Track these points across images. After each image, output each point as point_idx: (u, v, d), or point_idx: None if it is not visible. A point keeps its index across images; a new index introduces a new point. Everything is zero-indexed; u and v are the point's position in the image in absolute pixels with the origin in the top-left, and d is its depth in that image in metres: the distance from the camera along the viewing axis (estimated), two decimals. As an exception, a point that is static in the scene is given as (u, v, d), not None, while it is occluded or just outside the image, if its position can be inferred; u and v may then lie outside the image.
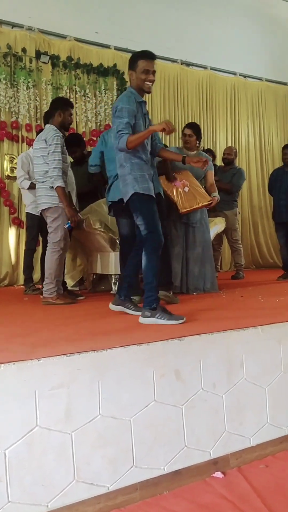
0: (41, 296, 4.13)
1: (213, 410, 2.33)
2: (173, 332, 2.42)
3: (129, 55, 7.02)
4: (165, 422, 2.17)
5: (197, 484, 2.18)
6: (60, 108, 3.99)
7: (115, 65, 7.08)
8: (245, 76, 8.50)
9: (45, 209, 3.94)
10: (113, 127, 3.23)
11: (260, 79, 8.65)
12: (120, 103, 3.17)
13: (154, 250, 3.04)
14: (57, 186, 3.80)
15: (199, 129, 4.79)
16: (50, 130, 3.92)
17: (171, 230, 4.55)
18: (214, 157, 6.79)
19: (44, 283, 3.99)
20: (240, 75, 8.43)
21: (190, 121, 7.81)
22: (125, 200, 3.17)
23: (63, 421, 1.92)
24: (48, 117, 4.18)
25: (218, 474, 2.26)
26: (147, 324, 2.83)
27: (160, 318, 2.84)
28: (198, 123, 7.84)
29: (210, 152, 6.56)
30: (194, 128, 4.71)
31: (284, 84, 8.95)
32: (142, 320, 2.91)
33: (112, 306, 3.31)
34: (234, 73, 8.36)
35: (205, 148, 7.87)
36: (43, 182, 3.93)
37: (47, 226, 4.01)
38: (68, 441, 1.92)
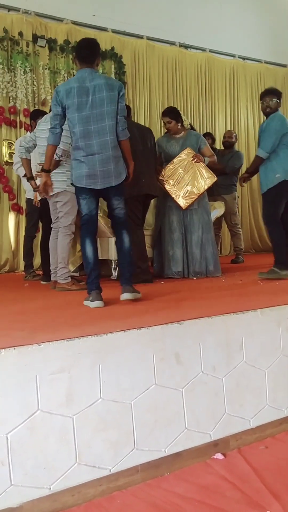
0: (50, 283, 4.16)
1: (213, 393, 2.34)
2: (173, 316, 2.43)
3: (127, 38, 7.06)
4: (166, 405, 2.19)
5: (198, 466, 2.21)
6: None
7: (112, 48, 7.01)
8: (244, 59, 8.41)
9: (55, 193, 3.89)
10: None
11: (259, 61, 8.56)
12: None
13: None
14: None
15: (175, 112, 4.72)
16: None
17: (169, 217, 4.55)
18: (213, 140, 6.74)
19: (58, 268, 3.95)
20: (239, 57, 8.34)
21: (189, 104, 7.79)
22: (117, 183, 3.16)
23: (64, 405, 1.93)
24: None
25: (219, 456, 2.28)
26: (142, 308, 2.83)
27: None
28: (197, 106, 7.85)
29: (209, 135, 6.51)
30: (170, 114, 4.66)
31: (284, 66, 8.86)
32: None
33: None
34: (233, 56, 8.27)
35: (205, 131, 7.83)
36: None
37: (57, 211, 3.99)
38: (70, 424, 1.94)
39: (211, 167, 4.62)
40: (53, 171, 3.83)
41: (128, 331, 2.16)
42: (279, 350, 2.59)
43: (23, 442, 1.84)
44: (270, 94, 4.15)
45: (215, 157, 4.73)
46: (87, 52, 3.18)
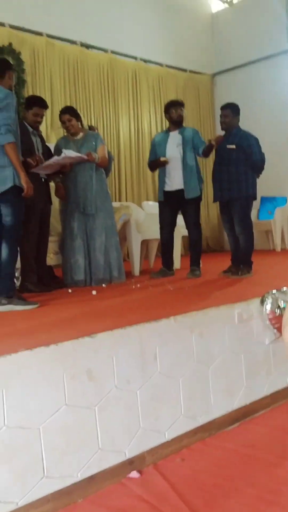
0: None
1: (128, 408, 2.23)
2: (84, 329, 2.28)
3: (25, 34, 6.77)
4: (78, 426, 2.04)
5: (113, 488, 2.09)
6: None
7: (10, 44, 6.65)
8: (145, 61, 8.42)
9: None
10: None
11: (160, 64, 8.61)
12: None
13: (17, 241, 3.37)
14: None
15: (75, 110, 4.59)
16: None
17: (70, 223, 4.38)
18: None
19: None
20: (141, 59, 8.33)
21: (92, 105, 7.63)
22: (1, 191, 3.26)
23: None
24: None
25: (134, 474, 2.18)
26: (49, 322, 2.68)
27: (17, 305, 3.16)
28: (101, 108, 7.73)
29: (92, 128, 6.30)
30: (70, 111, 4.51)
31: (184, 70, 9.01)
32: None
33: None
34: (135, 58, 8.25)
35: (108, 133, 7.75)
36: None
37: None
38: None
39: (100, 166, 4.50)
40: None
41: (35, 350, 1.97)
42: (192, 357, 2.54)
43: None
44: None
45: (107, 158, 4.61)
46: None
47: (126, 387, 2.23)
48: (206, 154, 4.60)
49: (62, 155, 4.08)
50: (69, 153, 4.11)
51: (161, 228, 4.78)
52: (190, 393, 2.51)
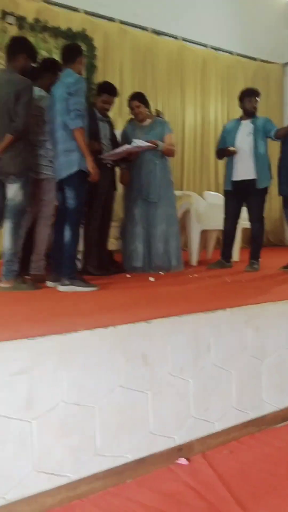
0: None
1: (180, 395, 2.26)
2: (141, 314, 2.32)
3: (99, 20, 6.84)
4: (131, 408, 2.09)
5: (161, 472, 2.13)
6: (50, 71, 3.78)
7: (84, 30, 6.76)
8: (216, 49, 8.30)
9: (38, 179, 3.73)
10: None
11: (230, 52, 8.46)
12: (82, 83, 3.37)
13: (78, 224, 3.47)
14: None
15: (145, 97, 4.56)
16: (41, 93, 3.70)
17: (132, 209, 4.43)
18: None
19: (35, 259, 3.80)
20: (211, 47, 8.23)
21: (159, 91, 7.63)
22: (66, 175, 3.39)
23: (23, 408, 1.81)
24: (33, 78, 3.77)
25: (183, 461, 2.21)
26: (108, 305, 2.74)
27: (78, 286, 3.27)
28: (168, 95, 7.71)
29: (158, 113, 6.23)
30: (139, 97, 4.50)
31: (254, 59, 8.81)
32: (61, 288, 3.30)
33: (60, 287, 3.32)
34: (205, 46, 8.15)
35: (174, 120, 7.71)
36: (34, 150, 3.71)
37: (39, 199, 3.79)
38: (28, 429, 1.81)
39: (165, 154, 4.50)
40: (38, 153, 3.72)
41: (94, 330, 2.04)
42: (247, 351, 2.53)
43: (-23, 448, 1.71)
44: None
45: (174, 148, 4.60)
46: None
47: (179, 375, 2.26)
48: (280, 135, 4.43)
49: (133, 144, 4.11)
50: (139, 142, 4.13)
51: (225, 219, 4.68)
52: (242, 386, 2.50)
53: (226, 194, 4.69)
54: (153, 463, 2.12)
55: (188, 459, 2.22)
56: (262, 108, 8.74)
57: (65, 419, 1.90)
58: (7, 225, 3.37)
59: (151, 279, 3.86)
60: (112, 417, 2.02)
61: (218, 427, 2.39)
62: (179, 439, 2.23)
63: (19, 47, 3.43)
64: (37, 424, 1.82)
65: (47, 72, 3.78)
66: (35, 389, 1.83)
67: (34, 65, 3.69)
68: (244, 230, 5.71)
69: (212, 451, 2.32)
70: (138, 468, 2.07)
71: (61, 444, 1.88)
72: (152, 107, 4.65)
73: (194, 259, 5.14)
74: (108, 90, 4.29)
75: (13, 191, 3.36)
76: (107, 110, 4.36)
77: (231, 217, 4.67)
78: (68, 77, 3.36)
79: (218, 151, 4.75)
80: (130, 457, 2.05)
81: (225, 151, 4.60)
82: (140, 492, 1.97)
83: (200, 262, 5.25)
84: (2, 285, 3.32)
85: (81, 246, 4.03)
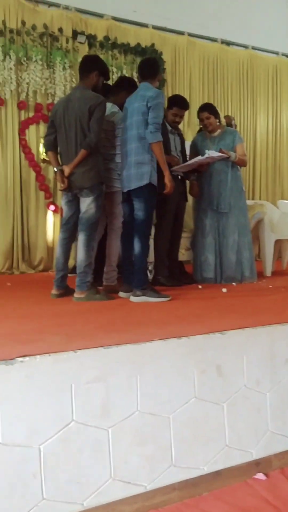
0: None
1: (256, 409, 2.20)
2: (215, 325, 2.29)
3: (167, 34, 6.94)
4: (206, 420, 2.06)
5: (238, 486, 2.08)
6: (126, 89, 3.83)
7: (153, 44, 6.88)
8: (287, 56, 8.16)
9: (108, 193, 3.81)
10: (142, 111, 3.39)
11: (303, 58, 8.30)
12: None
13: (147, 236, 3.49)
14: None
15: (214, 108, 4.54)
16: (114, 109, 3.81)
17: (202, 220, 4.41)
18: (235, 125, 6.31)
19: (107, 270, 3.89)
20: (282, 54, 8.08)
21: (230, 103, 7.59)
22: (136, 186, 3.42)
23: (99, 416, 1.83)
24: (108, 94, 3.95)
25: (260, 476, 2.15)
26: (181, 316, 2.73)
27: (150, 297, 3.30)
28: (239, 105, 7.66)
29: (228, 117, 6.12)
30: (209, 109, 4.47)
31: None
32: (133, 299, 3.34)
33: (133, 298, 3.36)
34: (277, 53, 8.02)
35: (246, 131, 7.63)
36: (105, 164, 3.76)
37: (108, 212, 3.88)
38: (105, 437, 1.84)
39: (237, 164, 4.46)
40: (109, 167, 3.79)
41: (168, 340, 2.04)
42: None
43: (56, 454, 1.75)
44: None
45: (246, 158, 4.53)
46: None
47: (256, 388, 2.20)
48: None
49: (206, 155, 4.11)
50: (211, 153, 4.12)
51: None
52: None
53: None
54: (229, 477, 2.07)
55: (266, 475, 2.16)
56: None
57: (141, 428, 1.91)
58: (81, 238, 3.46)
59: (224, 290, 3.81)
60: (187, 428, 2.01)
61: (297, 442, 2.30)
62: (256, 454, 2.17)
63: (92, 65, 3.54)
64: (113, 432, 1.84)
65: (123, 89, 3.87)
66: (110, 397, 1.86)
67: (107, 82, 3.80)
68: None
69: (291, 467, 2.24)
70: (214, 481, 2.03)
71: (137, 453, 1.89)
72: (222, 116, 4.63)
73: (269, 269, 5.02)
74: (179, 103, 4.33)
75: (86, 204, 3.46)
76: (178, 123, 4.39)
77: None
78: (147, 91, 3.41)
79: None
80: (206, 469, 2.02)
81: None
82: (216, 505, 1.93)
83: (274, 273, 5.12)
84: (77, 295, 3.41)
85: (151, 257, 4.06)
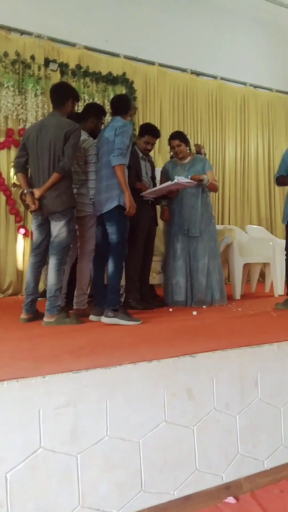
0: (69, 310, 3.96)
1: (226, 432, 2.21)
2: (185, 348, 2.30)
3: (139, 64, 7.10)
4: (176, 444, 2.05)
5: (209, 510, 2.06)
6: (94, 116, 3.90)
7: (124, 73, 7.02)
8: (255, 87, 8.41)
9: (80, 217, 3.84)
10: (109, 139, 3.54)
11: (270, 89, 8.56)
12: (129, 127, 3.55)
13: (122, 258, 3.53)
14: None
15: (185, 136, 4.65)
16: (83, 136, 3.82)
17: (173, 244, 4.46)
18: (204, 154, 6.41)
19: (77, 294, 3.86)
20: (250, 85, 8.34)
21: (200, 130, 7.76)
22: (107, 209, 3.52)
23: (68, 442, 1.81)
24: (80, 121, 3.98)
25: (231, 500, 2.14)
26: (152, 338, 2.74)
27: (122, 319, 3.30)
28: (208, 134, 7.84)
29: (198, 146, 6.26)
30: (180, 136, 4.58)
31: (294, 95, 8.88)
32: (104, 319, 3.34)
33: (104, 319, 3.36)
34: (244, 84, 8.28)
35: (215, 159, 7.80)
36: (76, 189, 3.81)
37: (80, 235, 3.89)
38: (74, 464, 1.81)
39: (209, 189, 4.56)
40: (78, 192, 3.82)
41: (138, 364, 2.04)
42: (295, 387, 2.46)
43: (23, 482, 1.71)
44: None
45: (217, 184, 4.62)
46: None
47: (226, 410, 2.21)
48: None
49: (175, 180, 4.19)
50: (181, 179, 4.20)
51: (286, 253, 4.21)
52: (292, 423, 2.42)
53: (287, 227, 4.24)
54: (200, 501, 2.06)
55: (236, 498, 2.15)
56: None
57: (110, 453, 1.88)
58: (52, 261, 3.46)
59: (194, 313, 3.83)
60: (157, 452, 1.99)
61: (267, 465, 2.31)
62: (226, 477, 2.16)
63: (67, 93, 3.62)
64: (82, 458, 1.82)
65: (91, 116, 3.94)
66: (79, 422, 1.84)
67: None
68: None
69: (261, 490, 2.24)
70: (184, 506, 2.01)
71: (107, 479, 1.86)
72: (192, 144, 4.73)
73: (238, 292, 5.09)
74: (151, 131, 4.41)
75: (58, 228, 3.48)
76: (149, 150, 4.47)
77: None
78: (117, 122, 3.58)
79: (278, 178, 4.33)
80: (176, 494, 2.00)
81: (286, 180, 4.27)
82: (187, 531, 1.91)
83: (243, 296, 5.18)
84: (46, 319, 3.39)
85: (123, 281, 4.07)
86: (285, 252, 4.20)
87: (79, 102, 6.57)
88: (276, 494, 2.22)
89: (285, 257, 4.20)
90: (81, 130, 3.84)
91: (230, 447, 2.21)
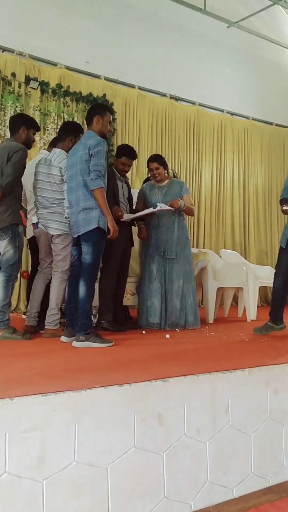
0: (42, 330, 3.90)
1: (196, 458, 2.18)
2: (157, 372, 2.28)
3: (119, 86, 7.18)
4: (145, 470, 2.01)
5: (176, 540, 2.02)
6: (72, 134, 3.91)
7: (104, 95, 7.09)
8: (232, 114, 8.60)
9: (55, 235, 3.83)
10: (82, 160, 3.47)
11: (247, 117, 8.76)
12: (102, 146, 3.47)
13: (93, 280, 3.50)
14: None
15: (163, 159, 4.70)
16: (61, 155, 3.84)
17: (149, 266, 4.46)
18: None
19: (49, 314, 3.80)
20: (227, 112, 8.53)
21: (177, 153, 7.86)
22: (84, 231, 3.45)
23: (34, 467, 1.75)
24: (56, 141, 4.08)
25: (199, 529, 2.10)
26: (124, 362, 2.70)
27: (93, 342, 3.25)
28: (185, 157, 7.95)
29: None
30: (159, 160, 4.63)
31: (270, 123, 9.08)
32: (76, 344, 3.28)
33: (75, 343, 3.31)
34: (222, 111, 8.45)
35: (191, 182, 7.90)
36: (52, 208, 3.82)
37: (55, 254, 3.87)
38: (39, 490, 1.75)
39: (185, 213, 4.62)
40: (54, 211, 3.81)
41: (109, 387, 2.00)
42: (266, 413, 2.45)
43: (-15, 509, 1.65)
44: None
45: (194, 208, 4.67)
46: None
47: (196, 437, 2.19)
48: None
49: (158, 207, 4.24)
50: (162, 206, 4.26)
51: (275, 275, 4.10)
52: (261, 450, 2.41)
53: (281, 250, 4.08)
54: (167, 531, 2.01)
55: (204, 528, 2.11)
56: (278, 170, 9.01)
57: (77, 480, 1.83)
58: (1, 278, 3.60)
59: (167, 336, 3.82)
60: (125, 479, 1.95)
61: (236, 493, 2.28)
62: (195, 505, 2.13)
63: (17, 122, 3.86)
64: (48, 484, 1.76)
65: (68, 134, 3.93)
66: (47, 447, 1.79)
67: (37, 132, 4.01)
68: (261, 288, 5.68)
69: (229, 520, 2.21)
70: (152, 536, 1.97)
71: (73, 506, 1.81)
72: (170, 168, 4.79)
73: (211, 316, 5.10)
74: (128, 153, 4.44)
75: (3, 246, 3.63)
76: (126, 171, 4.49)
77: (281, 274, 4.03)
78: (89, 139, 3.47)
79: (281, 201, 4.15)
80: (143, 523, 1.96)
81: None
82: None
83: (216, 320, 5.19)
84: None
85: (96, 301, 4.04)
86: (274, 275, 4.12)
87: (59, 121, 6.63)
88: (245, 523, 2.20)
89: (274, 279, 4.11)
90: (59, 150, 3.86)
91: (200, 474, 2.18)
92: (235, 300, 6.57)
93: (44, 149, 5.09)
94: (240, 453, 2.33)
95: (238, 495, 2.29)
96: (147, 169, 4.76)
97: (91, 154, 3.40)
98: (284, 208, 3.95)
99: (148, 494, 2.00)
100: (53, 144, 4.22)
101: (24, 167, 3.74)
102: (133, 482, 1.97)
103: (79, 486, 1.84)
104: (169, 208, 4.30)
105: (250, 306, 5.40)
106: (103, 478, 1.90)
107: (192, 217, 7.59)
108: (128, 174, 4.81)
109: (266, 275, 5.90)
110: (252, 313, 5.38)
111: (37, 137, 6.26)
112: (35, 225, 3.91)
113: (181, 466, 2.12)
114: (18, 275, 3.86)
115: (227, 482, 2.26)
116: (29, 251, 4.59)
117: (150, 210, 4.27)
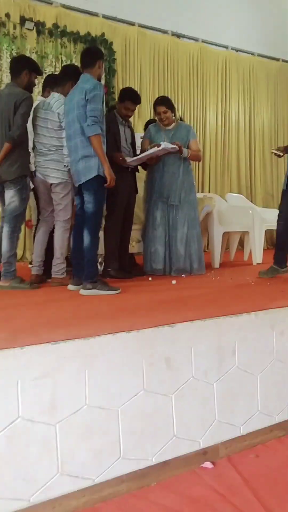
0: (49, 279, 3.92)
1: (204, 399, 2.25)
2: (164, 318, 2.30)
3: (118, 24, 6.88)
4: (154, 411, 2.08)
5: (186, 475, 2.11)
6: (72, 79, 3.77)
7: (103, 34, 6.80)
8: (237, 50, 8.27)
9: (54, 184, 3.79)
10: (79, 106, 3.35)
11: (252, 53, 8.42)
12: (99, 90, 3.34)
13: (97, 229, 3.48)
14: None
15: (171, 102, 4.55)
16: (60, 100, 3.73)
17: (153, 212, 4.42)
18: None
19: (55, 263, 3.82)
20: (232, 49, 8.20)
21: (180, 94, 7.63)
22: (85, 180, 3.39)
23: (47, 412, 1.82)
24: (55, 85, 3.93)
25: (208, 465, 2.19)
26: (131, 309, 2.73)
27: (100, 289, 3.27)
28: (189, 97, 7.72)
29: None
30: (167, 103, 4.48)
31: (276, 59, 8.74)
32: (83, 292, 3.30)
33: (83, 291, 3.33)
34: (226, 47, 8.12)
35: (196, 123, 7.71)
36: (49, 155, 3.75)
37: (55, 203, 3.84)
38: (52, 433, 1.82)
39: (191, 159, 4.52)
40: (51, 158, 3.75)
41: (117, 334, 2.04)
42: (272, 355, 2.50)
43: (1, 451, 1.72)
44: None
45: (200, 153, 4.56)
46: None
47: (203, 379, 2.24)
48: None
49: (162, 146, 4.12)
50: (166, 145, 4.13)
51: (278, 218, 4.13)
52: (268, 390, 2.47)
53: (283, 193, 4.11)
54: (177, 467, 2.11)
55: (213, 463, 2.20)
56: (285, 108, 8.75)
57: (89, 422, 1.90)
58: (5, 229, 3.58)
59: (173, 282, 3.84)
60: (135, 420, 2.02)
61: (243, 430, 2.36)
62: (203, 443, 2.21)
63: (20, 65, 3.69)
64: (61, 427, 1.83)
65: (68, 79, 3.80)
66: (58, 393, 1.84)
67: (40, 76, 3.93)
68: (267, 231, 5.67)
69: (237, 455, 2.30)
70: (163, 471, 2.06)
71: (85, 447, 1.88)
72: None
73: (217, 261, 5.11)
74: (132, 97, 4.29)
75: (10, 196, 3.58)
76: (129, 116, 4.37)
77: (284, 218, 4.07)
78: (85, 83, 3.37)
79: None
80: (154, 460, 2.04)
81: None
82: (165, 495, 1.95)
83: (222, 265, 5.21)
84: (1, 283, 3.54)
85: (101, 249, 4.04)
86: (277, 218, 4.15)
87: (57, 64, 6.41)
88: (252, 459, 2.29)
89: (277, 223, 4.14)
90: (58, 94, 3.75)
91: (208, 413, 2.25)
92: (241, 243, 6.56)
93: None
94: (247, 393, 2.40)
95: (245, 432, 2.37)
96: (153, 112, 4.61)
97: (87, 99, 3.30)
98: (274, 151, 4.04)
99: (158, 433, 2.08)
100: (49, 86, 4.09)
101: (29, 115, 3.64)
102: (143, 422, 2.04)
103: (91, 428, 1.91)
104: (173, 146, 4.19)
105: (256, 249, 5.39)
106: (114, 420, 1.97)
107: (196, 161, 7.46)
108: (131, 118, 4.68)
109: (272, 217, 5.84)
110: (258, 257, 5.38)
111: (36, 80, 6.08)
112: (33, 173, 3.85)
113: (190, 407, 2.19)
114: (22, 226, 3.85)
115: (234, 421, 2.34)
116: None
117: (154, 149, 4.17)
